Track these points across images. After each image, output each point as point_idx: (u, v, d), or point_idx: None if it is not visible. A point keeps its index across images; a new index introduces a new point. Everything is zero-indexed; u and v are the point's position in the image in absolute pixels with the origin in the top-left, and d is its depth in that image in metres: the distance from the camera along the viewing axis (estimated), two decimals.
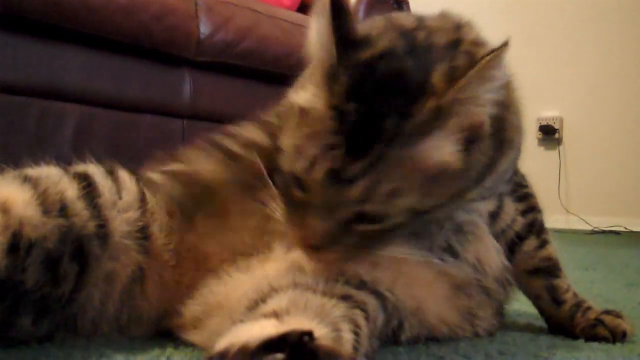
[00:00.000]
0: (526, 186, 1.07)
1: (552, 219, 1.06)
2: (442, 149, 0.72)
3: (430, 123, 0.70)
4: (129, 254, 0.88)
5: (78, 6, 1.93)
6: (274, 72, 2.38)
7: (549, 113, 4.04)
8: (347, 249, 0.76)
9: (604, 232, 3.73)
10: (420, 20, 0.82)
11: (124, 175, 0.93)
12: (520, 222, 1.03)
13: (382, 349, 0.83)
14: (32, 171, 0.85)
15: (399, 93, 0.71)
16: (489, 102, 0.73)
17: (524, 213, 1.04)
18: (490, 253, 0.97)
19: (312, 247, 0.75)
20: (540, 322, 1.10)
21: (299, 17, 2.60)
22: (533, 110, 3.93)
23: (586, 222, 3.83)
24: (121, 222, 0.87)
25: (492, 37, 0.88)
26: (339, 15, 0.74)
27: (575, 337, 1.01)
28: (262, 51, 2.38)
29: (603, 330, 1.00)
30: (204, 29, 2.29)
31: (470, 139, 0.74)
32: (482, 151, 0.77)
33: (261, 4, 2.51)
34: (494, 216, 0.99)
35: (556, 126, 4.04)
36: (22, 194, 0.79)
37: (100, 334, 0.88)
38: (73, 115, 1.98)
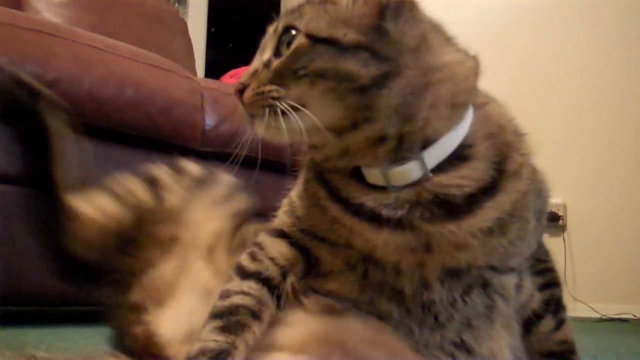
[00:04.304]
0: (547, 261, 1.04)
1: None
2: None
3: None
4: None
5: (85, 99, 1.97)
6: (279, 162, 2.40)
7: (552, 200, 4.03)
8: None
9: (612, 319, 3.68)
10: None
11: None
12: (537, 298, 1.00)
13: None
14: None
15: None
16: None
17: (542, 287, 1.01)
18: (502, 349, 0.93)
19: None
20: None
21: None
22: None
23: (594, 310, 3.77)
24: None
25: None
26: None
27: None
28: (267, 142, 2.41)
29: None
30: (210, 120, 2.33)
31: None
32: None
33: None
34: (518, 288, 0.96)
35: (560, 213, 4.04)
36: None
37: None
38: None
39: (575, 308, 3.75)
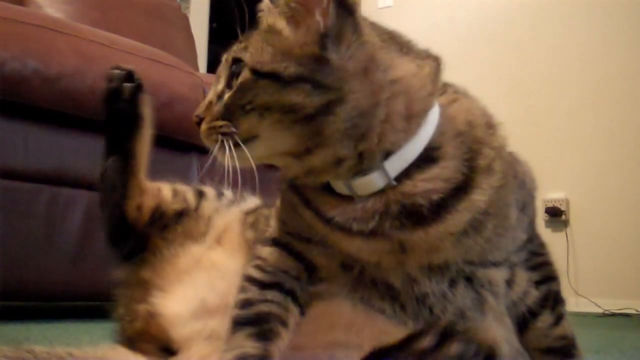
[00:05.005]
0: (542, 254, 1.03)
1: None
2: None
3: None
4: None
5: (88, 94, 1.97)
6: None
7: (554, 195, 4.04)
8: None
9: (614, 314, 3.68)
10: None
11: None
12: (533, 295, 0.99)
13: None
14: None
15: None
16: None
17: (538, 284, 1.00)
18: (497, 340, 0.92)
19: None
20: None
21: None
22: (539, 193, 3.89)
23: (596, 305, 3.77)
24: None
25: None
26: None
27: None
28: None
29: None
30: None
31: None
32: None
33: None
34: (509, 284, 0.96)
35: (562, 208, 4.04)
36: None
37: None
38: (82, 201, 2.00)
39: (577, 303, 3.75)
